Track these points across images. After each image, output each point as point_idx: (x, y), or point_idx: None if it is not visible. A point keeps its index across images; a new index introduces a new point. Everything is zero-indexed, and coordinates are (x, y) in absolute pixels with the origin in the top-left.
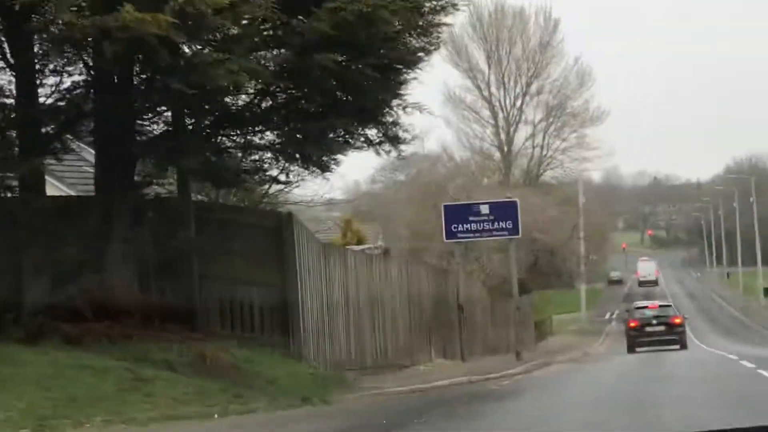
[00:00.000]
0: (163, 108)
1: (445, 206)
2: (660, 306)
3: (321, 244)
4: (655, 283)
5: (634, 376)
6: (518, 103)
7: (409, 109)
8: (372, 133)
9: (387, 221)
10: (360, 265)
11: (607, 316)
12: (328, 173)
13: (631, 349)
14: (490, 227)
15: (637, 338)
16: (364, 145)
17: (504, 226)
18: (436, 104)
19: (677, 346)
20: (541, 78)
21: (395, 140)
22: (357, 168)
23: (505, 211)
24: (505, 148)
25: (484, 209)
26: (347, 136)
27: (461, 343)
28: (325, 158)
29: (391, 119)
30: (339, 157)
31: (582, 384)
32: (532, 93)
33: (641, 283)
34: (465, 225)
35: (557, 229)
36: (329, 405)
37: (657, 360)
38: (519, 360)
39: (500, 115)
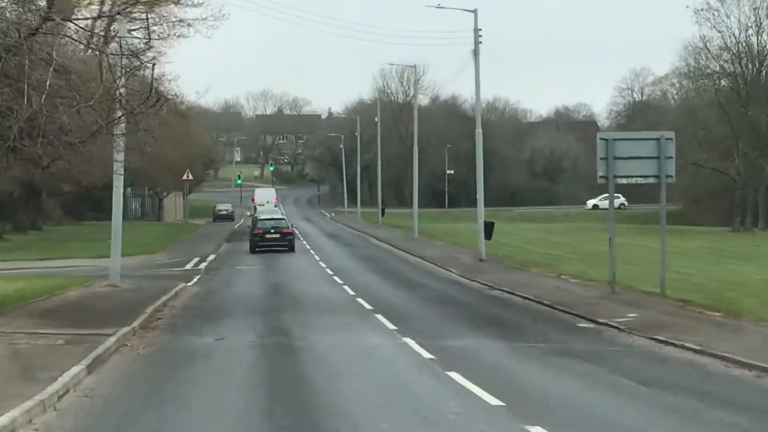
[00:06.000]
0: None
1: None
2: (275, 219)
3: None
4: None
5: None
6: None
7: None
8: None
9: None
10: None
11: (192, 264)
12: None
13: (252, 249)
14: None
15: (259, 242)
16: None
17: None
18: None
19: (287, 249)
20: None
21: None
22: None
23: None
24: None
25: None
26: None
27: None
28: None
29: None
30: None
31: None
32: None
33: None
34: None
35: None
36: None
37: None
38: None
39: None
